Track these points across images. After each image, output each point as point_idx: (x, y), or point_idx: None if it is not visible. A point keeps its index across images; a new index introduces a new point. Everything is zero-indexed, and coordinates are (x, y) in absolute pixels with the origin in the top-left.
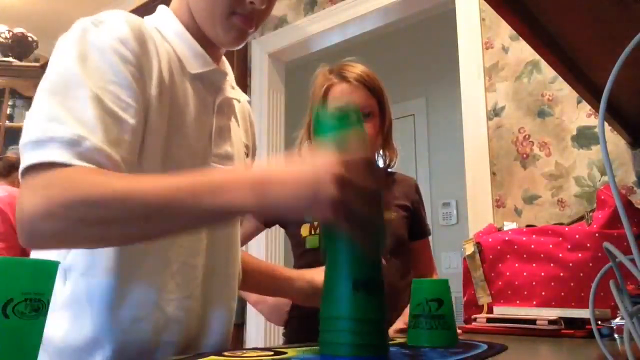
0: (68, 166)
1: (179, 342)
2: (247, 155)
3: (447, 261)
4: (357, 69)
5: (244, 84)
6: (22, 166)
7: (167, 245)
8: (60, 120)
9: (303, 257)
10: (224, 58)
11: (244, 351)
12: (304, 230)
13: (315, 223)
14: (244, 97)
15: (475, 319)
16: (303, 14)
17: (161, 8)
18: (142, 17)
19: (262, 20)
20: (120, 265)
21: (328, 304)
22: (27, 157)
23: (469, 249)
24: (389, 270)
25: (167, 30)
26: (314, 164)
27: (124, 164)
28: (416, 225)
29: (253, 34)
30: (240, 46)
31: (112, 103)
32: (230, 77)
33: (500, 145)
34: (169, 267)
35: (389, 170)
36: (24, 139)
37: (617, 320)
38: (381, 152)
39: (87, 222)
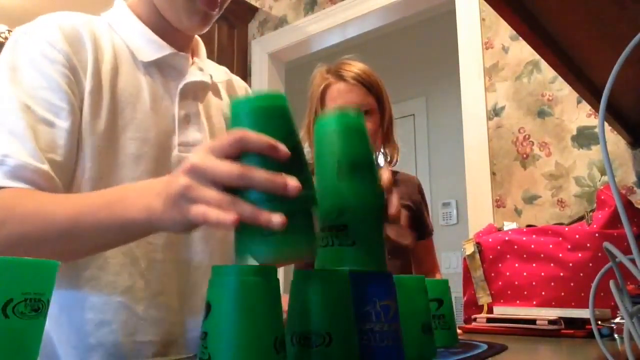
0: None
1: (156, 342)
2: None
3: (447, 261)
4: (354, 67)
5: None
6: None
7: (134, 244)
8: None
9: None
10: (198, 39)
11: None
12: None
13: None
14: (222, 75)
15: (475, 319)
16: (303, 14)
17: (117, 2)
18: None
19: (225, 1)
20: (78, 269)
21: None
22: None
23: (469, 249)
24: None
25: (119, 24)
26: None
27: (60, 169)
28: (418, 225)
29: (252, 35)
30: (205, 30)
31: (43, 109)
32: (201, 61)
33: (500, 145)
34: (136, 265)
35: (392, 169)
36: None
37: (617, 320)
38: (382, 149)
39: (2, 242)
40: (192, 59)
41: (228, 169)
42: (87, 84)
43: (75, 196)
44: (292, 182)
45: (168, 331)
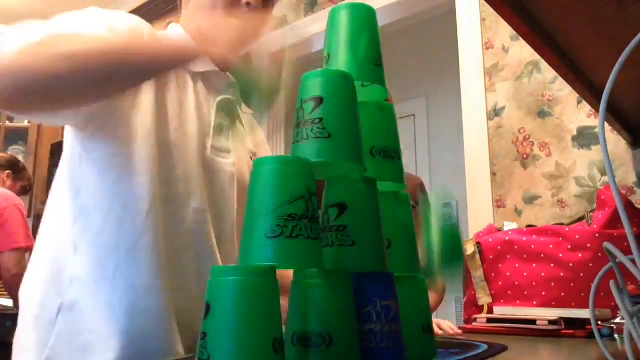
0: None
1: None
2: (250, 159)
3: None
4: None
5: None
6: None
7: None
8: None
9: None
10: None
11: None
12: None
13: None
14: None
15: (475, 319)
16: (303, 14)
17: (172, 25)
18: (144, 16)
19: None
20: (136, 235)
21: None
22: None
23: (469, 249)
24: None
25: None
26: None
27: None
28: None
29: None
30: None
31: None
32: (235, 87)
33: (500, 145)
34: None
35: None
36: None
37: (617, 320)
38: None
39: (54, 56)
40: (226, 82)
41: None
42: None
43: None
44: None
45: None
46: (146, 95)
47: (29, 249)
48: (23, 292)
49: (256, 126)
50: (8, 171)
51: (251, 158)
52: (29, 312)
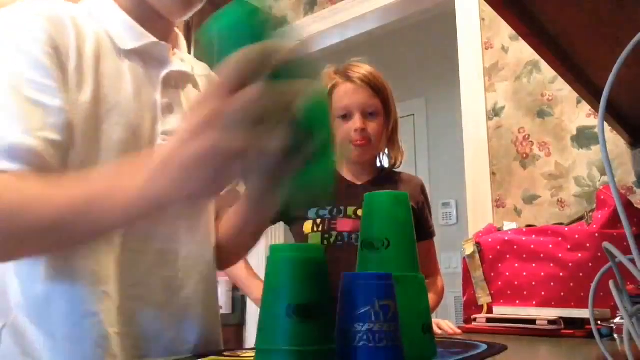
0: None
1: (139, 337)
2: None
3: (447, 261)
4: (362, 69)
5: None
6: None
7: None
8: None
9: None
10: (177, 32)
11: (244, 351)
12: (307, 226)
13: (319, 220)
14: (204, 70)
15: (475, 319)
16: (303, 14)
17: None
18: None
19: None
20: (65, 259)
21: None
22: None
23: (469, 249)
24: None
25: (99, 12)
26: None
27: (55, 147)
28: (419, 226)
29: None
30: (186, 15)
31: (31, 89)
32: (182, 52)
33: (500, 145)
34: (117, 254)
35: (395, 170)
36: None
37: (617, 320)
38: (386, 151)
39: None
40: (173, 50)
41: (247, 99)
42: (71, 66)
43: (63, 184)
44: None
45: (150, 328)
46: (85, 95)
47: None
48: None
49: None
50: None
51: None
52: None
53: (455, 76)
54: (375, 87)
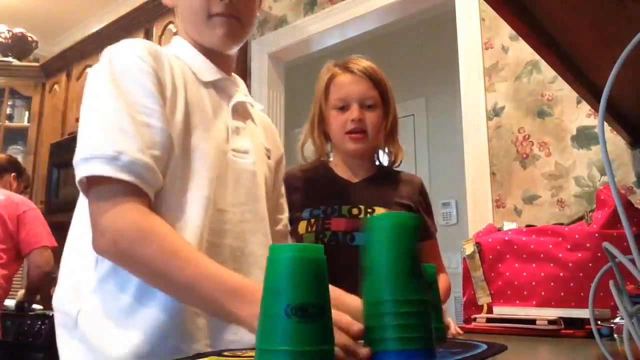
0: (113, 179)
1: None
2: (268, 157)
3: (447, 261)
4: (362, 62)
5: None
6: (76, 178)
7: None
8: (102, 137)
9: None
10: (236, 76)
11: (244, 351)
12: (301, 227)
13: (312, 220)
14: (259, 105)
15: (475, 319)
16: (303, 14)
17: (175, 39)
18: (144, 16)
19: (241, 11)
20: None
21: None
22: (78, 171)
23: (469, 249)
24: None
25: (181, 52)
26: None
27: (158, 162)
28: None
29: (252, 35)
30: (233, 45)
31: (142, 113)
32: (242, 88)
33: (500, 145)
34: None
35: (395, 168)
36: (75, 156)
37: (617, 320)
38: (385, 148)
39: (133, 266)
40: (237, 87)
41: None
42: (168, 93)
43: (206, 263)
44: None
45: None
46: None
47: (53, 249)
48: (54, 300)
49: (268, 122)
50: (14, 173)
51: (267, 155)
52: (58, 318)
53: (455, 76)
54: (374, 79)
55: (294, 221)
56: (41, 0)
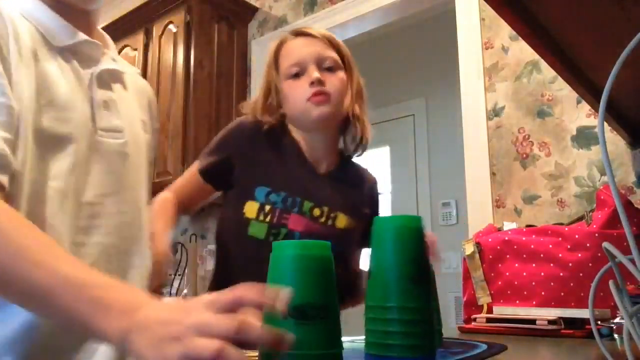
0: None
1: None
2: (145, 131)
3: (447, 261)
4: (315, 28)
5: (244, 83)
6: None
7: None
8: None
9: (240, 244)
10: (103, 33)
11: (244, 351)
12: (250, 209)
13: (267, 207)
14: (132, 69)
15: (475, 319)
16: (303, 14)
17: None
18: (144, 16)
19: None
20: None
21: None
22: None
23: (469, 249)
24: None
25: (24, 6)
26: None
27: (6, 144)
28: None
29: (252, 34)
30: (93, 4)
31: None
32: (112, 51)
33: (500, 145)
34: None
35: (356, 154)
36: None
37: (617, 320)
38: (351, 119)
39: None
40: (104, 49)
41: (226, 323)
42: (13, 62)
43: (63, 265)
44: (288, 338)
45: None
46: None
47: None
48: None
49: (142, 86)
50: None
51: (144, 130)
52: None
53: (455, 76)
54: (332, 40)
55: (237, 196)
56: None
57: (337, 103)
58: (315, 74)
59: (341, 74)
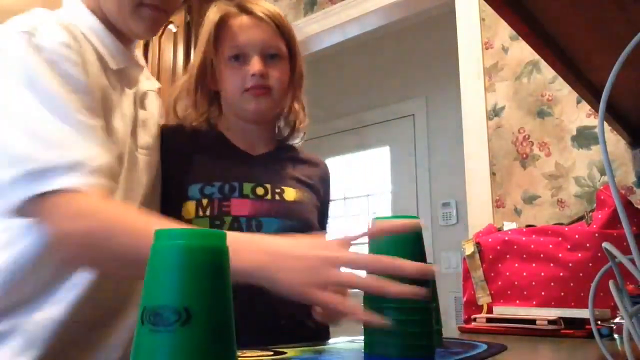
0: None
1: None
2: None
3: (447, 261)
4: (263, 3)
5: None
6: (25, 196)
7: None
8: (54, 145)
9: None
10: (136, 51)
11: (244, 351)
12: (188, 209)
13: (205, 201)
14: (156, 85)
15: (475, 319)
16: (303, 14)
17: (74, 3)
18: None
19: (171, 5)
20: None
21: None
22: (29, 188)
23: (469, 249)
24: None
25: (83, 26)
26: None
27: (117, 159)
28: (320, 224)
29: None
30: (154, 35)
31: (83, 114)
32: (145, 69)
33: (500, 145)
34: None
35: (293, 141)
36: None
37: (617, 320)
38: (286, 109)
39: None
40: (140, 69)
41: (365, 258)
42: (92, 84)
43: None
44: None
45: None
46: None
47: None
48: None
49: (160, 105)
50: None
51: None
52: None
53: (455, 76)
54: (280, 24)
55: (172, 201)
56: (41, 1)
57: (277, 98)
58: (258, 65)
59: (285, 66)
